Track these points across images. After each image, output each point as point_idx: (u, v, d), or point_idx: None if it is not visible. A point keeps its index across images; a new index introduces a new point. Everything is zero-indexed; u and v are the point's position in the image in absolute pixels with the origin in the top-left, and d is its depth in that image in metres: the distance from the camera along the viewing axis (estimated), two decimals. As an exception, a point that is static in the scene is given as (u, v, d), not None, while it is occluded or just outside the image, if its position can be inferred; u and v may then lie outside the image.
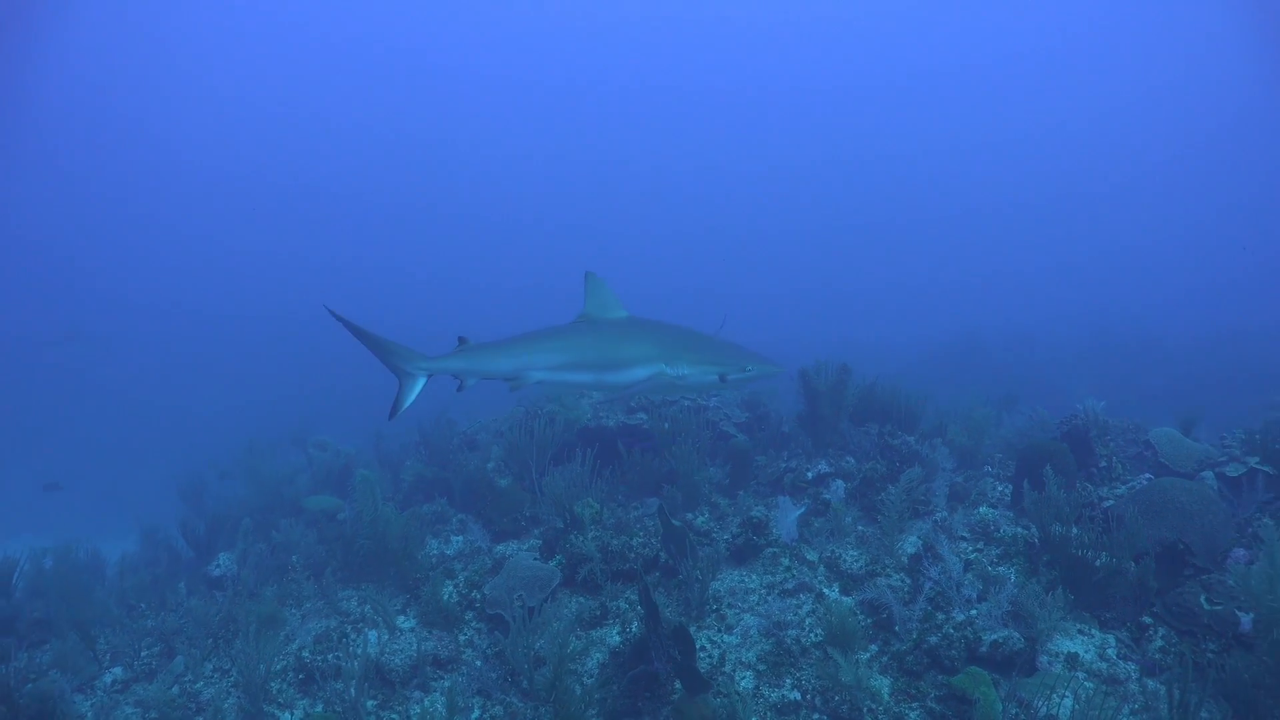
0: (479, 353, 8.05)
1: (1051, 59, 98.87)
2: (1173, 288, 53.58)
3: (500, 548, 8.84)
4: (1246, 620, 6.11)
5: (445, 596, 7.83)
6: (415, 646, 7.07)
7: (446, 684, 6.78)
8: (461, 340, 8.18)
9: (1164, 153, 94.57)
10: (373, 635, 7.54)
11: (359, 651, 7.06)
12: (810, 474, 9.11)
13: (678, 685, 5.90)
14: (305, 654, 7.30)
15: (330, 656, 7.20)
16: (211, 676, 7.46)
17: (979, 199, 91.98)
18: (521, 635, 6.38)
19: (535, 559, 8.16)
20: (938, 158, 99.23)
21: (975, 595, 6.56)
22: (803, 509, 8.41)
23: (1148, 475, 8.31)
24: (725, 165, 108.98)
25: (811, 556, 7.74)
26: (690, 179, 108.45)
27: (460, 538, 9.54)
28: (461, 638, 7.44)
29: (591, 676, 6.53)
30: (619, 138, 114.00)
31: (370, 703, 6.58)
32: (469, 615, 7.73)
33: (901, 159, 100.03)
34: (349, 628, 7.75)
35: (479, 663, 6.99)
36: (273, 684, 7.04)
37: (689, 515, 8.74)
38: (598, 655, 6.82)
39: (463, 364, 8.03)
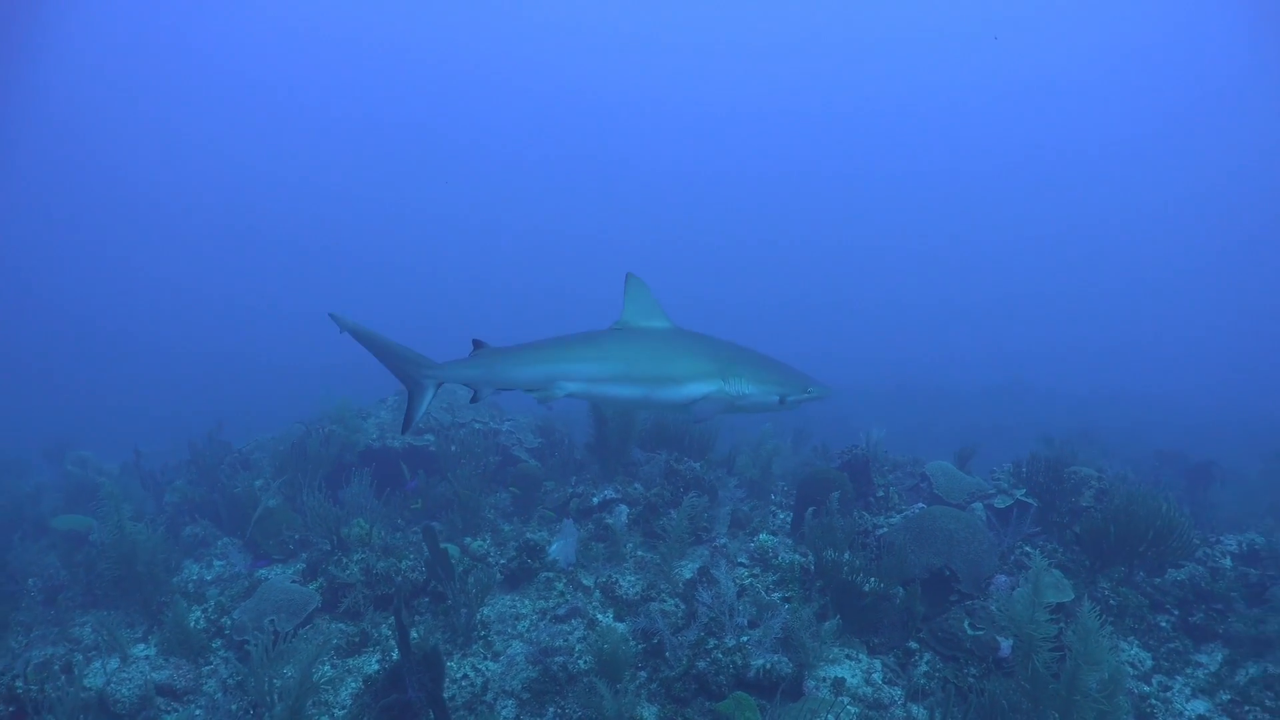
0: (500, 359, 6.87)
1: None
2: (967, 343, 56.66)
3: (264, 572, 8.24)
4: (1006, 645, 6.24)
5: (192, 622, 7.20)
6: (146, 676, 6.42)
7: (178, 716, 6.16)
8: (477, 344, 7.02)
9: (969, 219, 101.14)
10: (100, 664, 6.83)
11: (81, 681, 6.36)
12: (596, 499, 8.89)
13: (433, 715, 5.52)
14: (19, 685, 6.51)
15: (49, 687, 6.45)
16: (-101, 714, 6.58)
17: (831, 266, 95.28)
18: (265, 663, 5.83)
19: (296, 582, 7.62)
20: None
21: (747, 621, 6.45)
22: (584, 533, 8.19)
23: (921, 505, 8.46)
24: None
25: (588, 581, 7.50)
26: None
27: (222, 562, 8.89)
28: (206, 667, 6.83)
29: (344, 708, 6.07)
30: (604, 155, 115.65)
31: (88, 737, 5.92)
32: (217, 643, 7.13)
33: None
34: (78, 655, 7.01)
35: (219, 694, 6.40)
36: (-25, 719, 6.25)
37: (468, 539, 8.36)
38: (354, 684, 6.35)
39: (480, 372, 6.87)
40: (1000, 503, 8.69)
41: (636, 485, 9.23)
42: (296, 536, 8.65)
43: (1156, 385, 37.75)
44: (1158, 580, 7.66)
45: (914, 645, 6.63)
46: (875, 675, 6.31)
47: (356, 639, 6.85)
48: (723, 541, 8.01)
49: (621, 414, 9.82)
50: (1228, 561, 8.14)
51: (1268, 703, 6.24)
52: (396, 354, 6.95)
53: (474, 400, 6.92)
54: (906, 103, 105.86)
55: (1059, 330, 63.90)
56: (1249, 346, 56.06)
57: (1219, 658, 6.89)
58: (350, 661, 6.67)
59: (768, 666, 5.90)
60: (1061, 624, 5.49)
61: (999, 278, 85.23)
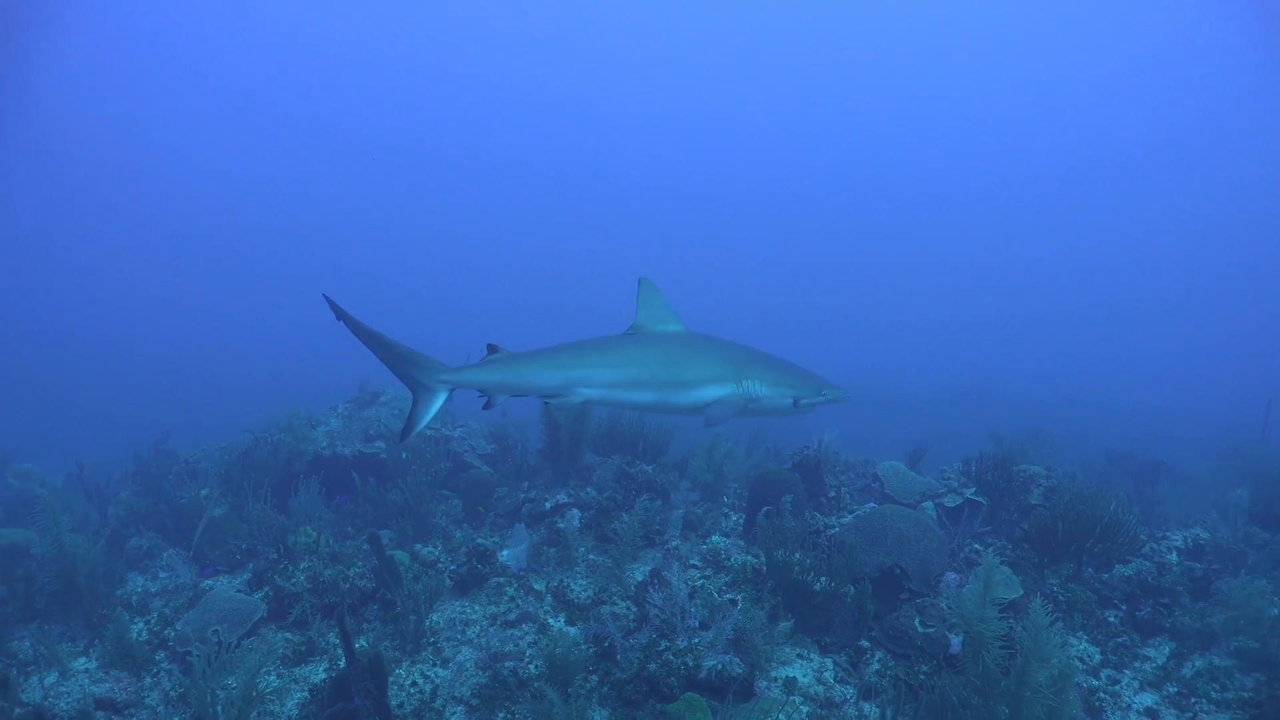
0: (515, 364, 6.63)
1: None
2: (926, 351, 57.10)
3: (209, 583, 8.09)
4: (956, 642, 6.28)
5: (135, 634, 7.05)
6: (86, 689, 6.27)
7: (118, 731, 6.03)
8: (491, 348, 6.74)
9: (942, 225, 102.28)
10: (38, 679, 6.66)
11: (19, 696, 6.19)
12: (549, 504, 8.84)
13: (379, 722, 5.44)
14: (-47, 702, 6.36)
15: (-18, 704, 6.29)
16: None
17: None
18: (207, 674, 5.70)
19: (241, 592, 7.49)
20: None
21: (699, 623, 6.41)
22: (536, 538, 8.14)
23: (872, 505, 8.49)
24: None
25: (539, 586, 7.44)
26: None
27: (168, 574, 8.74)
28: (148, 679, 6.67)
29: (290, 718, 5.96)
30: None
31: (25, 754, 5.75)
32: (160, 655, 6.97)
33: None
34: (14, 670, 6.83)
35: (161, 707, 6.26)
36: (-97, 739, 6.07)
37: (418, 546, 8.26)
38: (300, 694, 6.23)
39: (495, 376, 6.58)
40: (950, 501, 8.74)
41: (589, 490, 9.18)
42: (244, 546, 8.49)
43: (1111, 391, 38.25)
44: (1105, 576, 7.75)
45: (865, 644, 6.65)
46: (827, 674, 6.32)
47: (303, 648, 6.74)
48: (675, 544, 7.96)
49: (571, 416, 9.79)
50: (1174, 557, 8.26)
51: (1214, 694, 6.37)
52: (401, 355, 6.53)
53: (487, 407, 6.69)
54: (886, 116, 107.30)
55: (1019, 339, 64.69)
56: (1205, 354, 57.07)
57: (1166, 651, 7.00)
58: (297, 671, 6.56)
59: (719, 667, 5.87)
60: (1011, 621, 5.53)
61: (961, 288, 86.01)
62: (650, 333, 6.88)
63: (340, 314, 6.21)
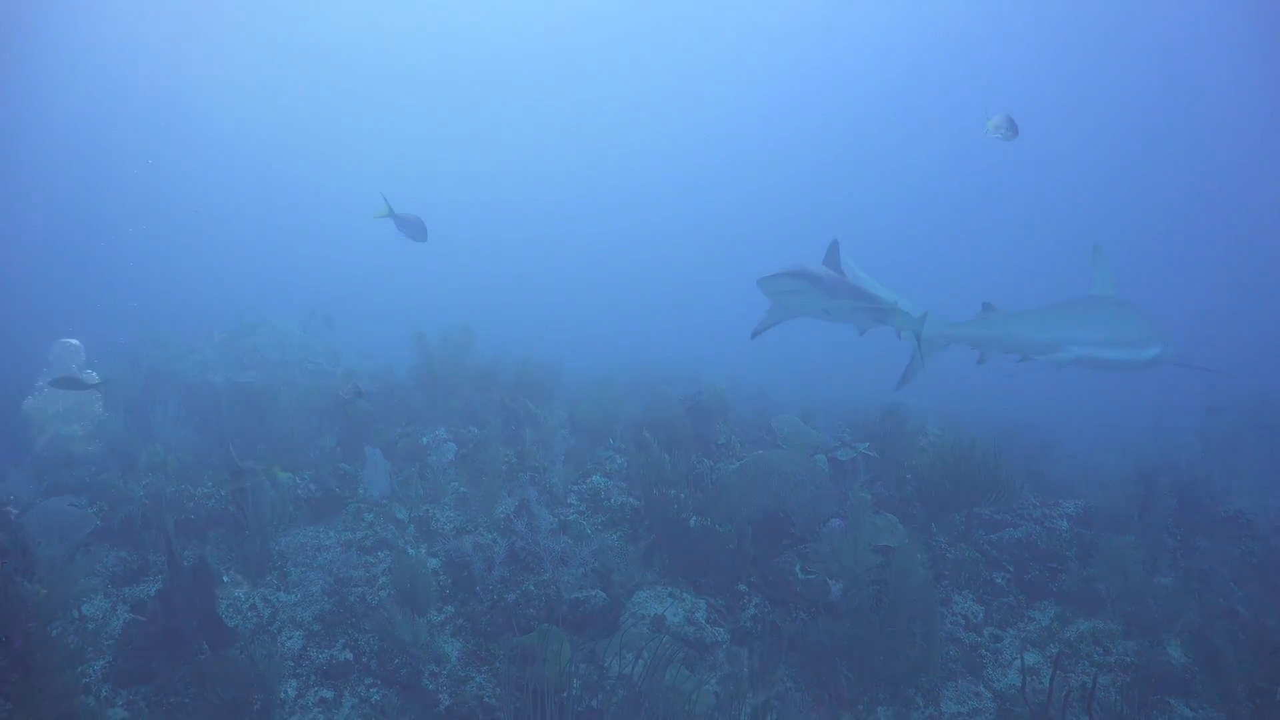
0: (1009, 322, 6.99)
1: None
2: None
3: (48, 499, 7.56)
4: (836, 589, 6.09)
5: (-47, 552, 6.50)
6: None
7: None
8: (986, 306, 7.07)
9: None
10: None
11: None
12: (426, 439, 8.48)
13: (205, 641, 5.04)
14: None
15: None
16: None
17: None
18: (14, 582, 5.23)
19: (75, 507, 7.00)
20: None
21: (564, 554, 6.13)
22: (409, 472, 7.82)
23: (761, 451, 8.30)
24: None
25: (402, 515, 7.08)
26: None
27: (12, 494, 8.15)
28: (-37, 595, 6.15)
29: (113, 638, 5.52)
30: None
31: None
32: (-19, 571, 6.45)
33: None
34: None
35: (-33, 623, 5.76)
36: None
37: (282, 474, 7.84)
38: (127, 613, 5.80)
39: (991, 332, 6.90)
40: (843, 455, 8.58)
41: (472, 428, 8.86)
42: (92, 469, 8.00)
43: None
44: (994, 538, 7.68)
45: (744, 587, 6.44)
46: (699, 615, 6.08)
47: (135, 566, 6.30)
48: (553, 480, 7.68)
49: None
50: (1064, 524, 8.22)
51: (1096, 657, 6.36)
52: (900, 308, 6.64)
53: (981, 361, 7.03)
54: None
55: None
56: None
57: (1051, 613, 6.94)
58: (128, 590, 6.12)
59: (581, 599, 5.64)
60: (887, 566, 5.45)
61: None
62: (1106, 297, 7.30)
63: (829, 258, 6.33)
